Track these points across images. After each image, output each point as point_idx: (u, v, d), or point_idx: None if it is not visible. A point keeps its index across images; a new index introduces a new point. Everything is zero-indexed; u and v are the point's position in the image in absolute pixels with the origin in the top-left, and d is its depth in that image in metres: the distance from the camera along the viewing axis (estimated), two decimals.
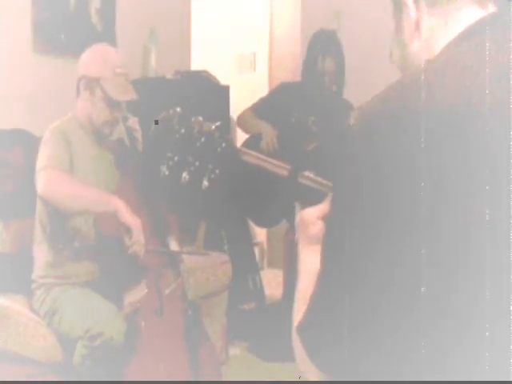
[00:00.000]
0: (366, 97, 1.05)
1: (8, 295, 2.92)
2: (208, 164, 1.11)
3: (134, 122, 2.93)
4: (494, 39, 1.00)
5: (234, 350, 3.86)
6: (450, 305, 0.92)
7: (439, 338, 0.92)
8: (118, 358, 2.62)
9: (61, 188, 2.67)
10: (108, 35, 4.03)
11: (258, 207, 3.67)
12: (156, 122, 1.11)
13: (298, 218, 1.18)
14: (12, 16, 3.63)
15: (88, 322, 2.63)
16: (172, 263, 2.86)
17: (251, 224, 4.68)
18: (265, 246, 5.86)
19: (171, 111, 1.10)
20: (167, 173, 1.09)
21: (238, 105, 4.21)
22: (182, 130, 1.10)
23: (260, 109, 4.03)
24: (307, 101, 3.95)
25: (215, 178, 1.11)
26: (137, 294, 2.73)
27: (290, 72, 5.20)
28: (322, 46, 3.96)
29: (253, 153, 1.17)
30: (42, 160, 2.71)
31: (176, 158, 1.09)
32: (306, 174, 1.20)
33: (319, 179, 1.19)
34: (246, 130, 4.10)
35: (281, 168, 1.19)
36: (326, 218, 1.09)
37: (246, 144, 4.01)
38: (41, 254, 2.85)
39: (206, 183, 1.12)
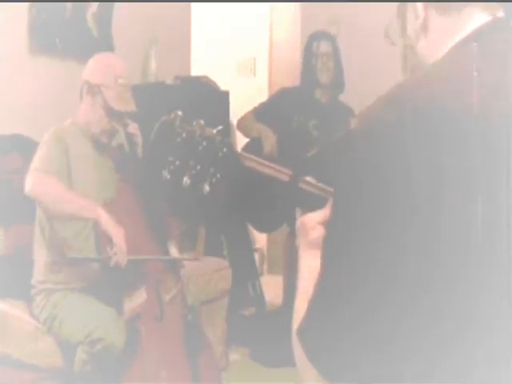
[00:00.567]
0: (366, 101, 1.05)
1: (8, 300, 2.92)
2: (209, 168, 1.11)
3: (133, 127, 2.93)
4: (499, 43, 1.00)
5: (234, 356, 3.85)
6: (450, 307, 0.92)
7: (439, 340, 0.92)
8: (118, 363, 2.62)
9: (46, 191, 2.71)
10: (104, 40, 4.03)
11: (258, 212, 3.67)
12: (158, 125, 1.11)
13: (298, 222, 1.18)
14: (9, 20, 3.63)
15: (88, 328, 2.63)
16: (172, 269, 2.86)
17: (251, 229, 4.68)
18: (265, 251, 5.86)
19: (172, 115, 1.10)
20: (168, 177, 1.09)
21: (238, 110, 4.21)
22: (184, 134, 1.10)
23: (261, 113, 4.04)
24: (307, 105, 3.96)
25: (216, 183, 1.11)
26: (137, 300, 2.72)
27: (290, 77, 5.20)
28: (316, 36, 4.01)
29: (254, 158, 1.17)
30: (34, 162, 2.75)
31: (177, 162, 1.09)
32: (307, 179, 1.20)
33: (320, 185, 1.19)
34: (246, 134, 4.11)
35: (281, 173, 1.19)
36: (327, 223, 1.09)
37: (246, 147, 4.02)
38: (41, 258, 2.85)
39: (207, 188, 1.12)
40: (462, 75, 0.99)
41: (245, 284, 4.35)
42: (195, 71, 4.91)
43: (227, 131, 4.29)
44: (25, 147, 3.35)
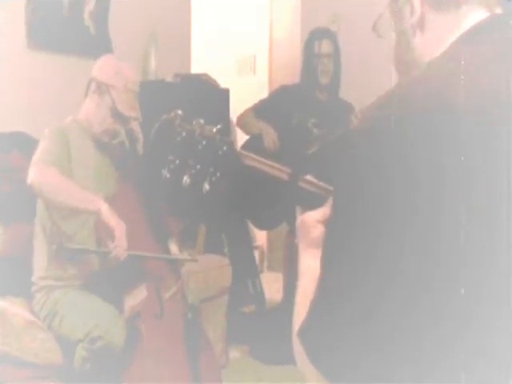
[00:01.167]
0: (366, 99, 1.04)
1: (8, 298, 2.92)
2: (209, 167, 1.11)
3: (134, 125, 2.94)
4: (497, 40, 1.00)
5: (234, 353, 3.85)
6: (450, 307, 0.92)
7: (439, 340, 0.92)
8: (118, 361, 2.62)
9: (48, 181, 2.70)
10: (102, 38, 4.03)
11: (258, 209, 3.67)
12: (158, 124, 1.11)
13: (298, 221, 1.18)
14: (6, 18, 3.63)
15: (88, 325, 2.63)
16: (172, 267, 2.86)
17: (251, 227, 4.68)
18: (265, 249, 5.86)
19: (172, 114, 1.10)
20: (168, 176, 1.09)
21: (238, 108, 4.21)
22: (184, 133, 1.10)
23: (260, 110, 4.04)
24: (307, 102, 3.96)
25: (216, 181, 1.11)
26: (137, 298, 2.72)
27: (290, 75, 5.20)
28: (317, 34, 4.01)
29: (253, 156, 1.17)
30: (36, 154, 2.75)
31: (177, 161, 1.09)
32: (307, 177, 1.20)
33: (320, 183, 1.19)
34: (245, 131, 4.11)
35: (281, 171, 1.19)
36: (327, 222, 1.09)
37: (246, 144, 4.02)
38: (41, 255, 2.85)
39: (206, 186, 1.12)
40: (460, 74, 0.98)
41: (245, 281, 4.36)
42: (195, 69, 4.91)
43: (227, 129, 4.29)
44: (25, 145, 3.35)
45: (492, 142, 0.94)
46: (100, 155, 2.91)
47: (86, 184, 2.79)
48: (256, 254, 5.10)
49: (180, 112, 1.10)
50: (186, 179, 1.10)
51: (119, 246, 2.63)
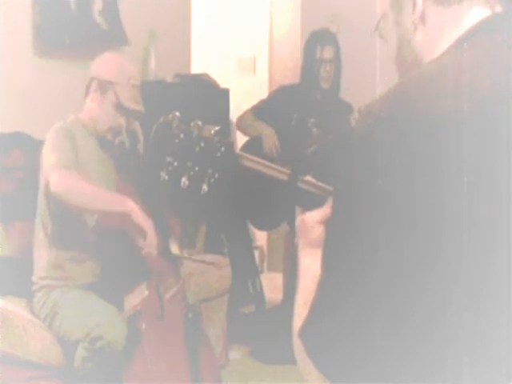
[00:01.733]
0: (365, 99, 1.05)
1: (8, 298, 2.92)
2: (207, 169, 1.11)
3: (134, 125, 2.94)
4: (498, 39, 1.00)
5: (234, 354, 3.85)
6: (451, 308, 0.92)
7: (440, 341, 0.92)
8: (118, 360, 2.62)
9: (75, 187, 2.66)
10: (115, 35, 4.03)
11: (257, 210, 3.67)
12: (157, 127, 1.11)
13: (298, 221, 1.18)
14: (12, 18, 3.63)
15: (88, 325, 2.63)
16: (172, 267, 2.86)
17: (251, 227, 4.68)
18: (265, 249, 5.85)
19: (170, 116, 1.10)
20: (167, 178, 1.09)
21: (238, 108, 4.21)
22: (182, 135, 1.10)
23: (260, 111, 4.04)
24: (307, 102, 3.96)
25: (214, 183, 1.11)
26: (137, 297, 2.73)
27: (290, 76, 5.20)
28: (319, 38, 4.00)
29: (252, 157, 1.17)
30: (50, 158, 2.71)
31: (175, 163, 1.09)
32: (306, 178, 1.20)
33: (319, 184, 1.19)
34: (245, 133, 4.11)
35: (280, 173, 1.19)
36: (327, 222, 1.09)
37: (245, 146, 4.01)
38: (42, 254, 2.85)
39: (205, 188, 1.12)
40: (461, 74, 0.98)
41: (245, 282, 4.35)
42: (195, 69, 4.91)
43: (227, 130, 4.29)
44: (27, 145, 3.35)
45: (492, 142, 0.94)
46: (102, 155, 2.91)
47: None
48: (256, 254, 5.10)
49: (178, 114, 1.10)
50: (184, 181, 1.10)
51: (151, 244, 2.63)
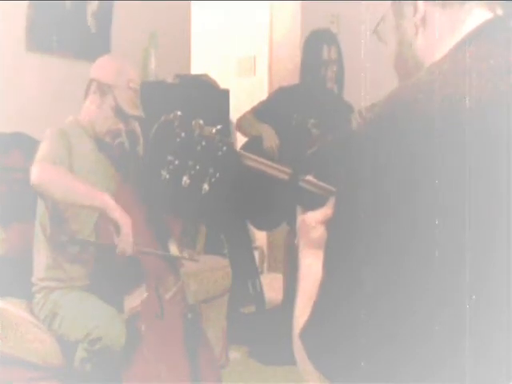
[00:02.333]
0: (366, 100, 1.05)
1: (8, 299, 2.92)
2: (208, 168, 1.11)
3: (134, 126, 2.94)
4: (499, 41, 1.00)
5: (234, 354, 3.86)
6: (451, 308, 0.92)
7: (440, 343, 0.92)
8: (117, 362, 2.62)
9: (52, 179, 2.67)
10: (102, 39, 4.04)
11: (257, 210, 3.67)
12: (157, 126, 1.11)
13: (299, 221, 1.18)
14: (7, 18, 3.63)
15: (88, 326, 2.63)
16: (172, 267, 2.86)
17: (251, 228, 4.68)
18: (265, 249, 5.86)
19: (172, 115, 1.10)
20: (168, 176, 1.09)
21: (238, 109, 4.21)
22: (183, 134, 1.10)
23: (260, 112, 4.04)
24: (307, 103, 3.96)
25: (216, 182, 1.11)
26: (137, 298, 2.72)
27: (290, 76, 5.20)
28: (323, 38, 3.99)
29: (253, 156, 1.17)
30: (38, 154, 2.73)
31: (176, 162, 1.09)
32: (307, 178, 1.20)
33: (320, 183, 1.19)
34: (245, 133, 4.10)
35: (281, 172, 1.19)
36: (328, 223, 1.09)
37: (245, 146, 4.01)
38: (41, 255, 2.85)
39: (206, 187, 1.12)
40: (462, 77, 0.98)
41: (245, 282, 4.36)
42: (195, 70, 4.91)
43: (227, 130, 4.29)
44: (25, 145, 3.35)
45: (493, 142, 0.94)
46: (101, 156, 2.91)
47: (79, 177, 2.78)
48: (256, 254, 5.10)
49: (179, 113, 1.10)
50: (185, 180, 1.10)
51: (125, 241, 2.62)
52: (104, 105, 2.85)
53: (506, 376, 0.92)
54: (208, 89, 4.39)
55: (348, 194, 1.00)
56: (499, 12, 1.07)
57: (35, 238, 2.88)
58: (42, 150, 2.73)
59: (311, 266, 1.10)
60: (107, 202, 2.62)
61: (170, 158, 1.09)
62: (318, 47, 3.97)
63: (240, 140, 4.26)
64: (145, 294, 2.73)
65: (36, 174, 2.66)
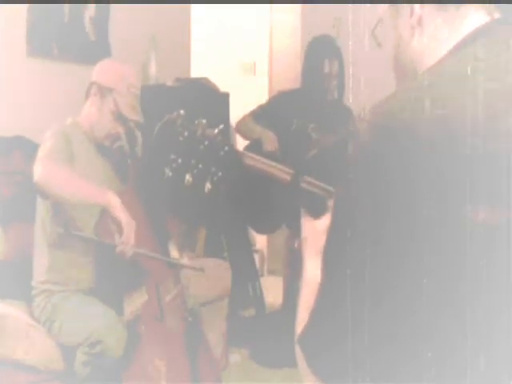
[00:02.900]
0: (365, 104, 1.05)
1: (8, 302, 2.92)
2: (211, 167, 1.11)
3: (133, 129, 2.94)
4: (497, 44, 1.00)
5: (234, 357, 3.85)
6: (450, 313, 0.92)
7: (438, 346, 0.92)
8: (118, 364, 2.62)
9: (56, 177, 2.65)
10: (101, 44, 4.04)
11: (258, 213, 3.67)
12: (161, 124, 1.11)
13: (309, 228, 1.17)
14: (8, 23, 3.64)
15: (88, 330, 2.63)
16: (172, 270, 2.86)
17: (251, 231, 4.68)
18: (265, 252, 5.86)
19: (175, 114, 1.10)
20: (170, 174, 1.09)
21: (238, 112, 4.21)
22: (186, 133, 1.10)
23: (259, 116, 4.03)
24: (307, 107, 3.95)
25: (218, 181, 1.12)
26: (137, 301, 2.72)
27: (291, 80, 5.20)
28: (326, 50, 3.97)
29: (255, 156, 1.18)
30: (40, 152, 2.71)
31: (179, 161, 1.09)
32: (309, 179, 1.20)
33: (322, 184, 1.19)
34: (245, 136, 4.10)
35: (283, 172, 1.19)
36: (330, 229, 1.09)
37: (246, 149, 4.01)
38: (41, 259, 2.85)
39: (208, 186, 1.12)
40: (460, 81, 0.99)
41: (245, 285, 4.35)
42: (195, 73, 4.92)
43: (227, 134, 4.29)
44: (26, 148, 3.35)
45: (492, 143, 0.94)
46: (101, 159, 2.91)
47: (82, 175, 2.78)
48: (256, 257, 5.10)
49: (182, 112, 1.10)
50: (188, 178, 1.10)
51: (126, 242, 2.60)
52: (104, 108, 2.85)
53: (506, 376, 0.92)
54: (208, 92, 4.39)
55: (347, 199, 1.00)
56: (497, 16, 1.07)
57: (35, 241, 2.87)
58: (44, 148, 2.72)
59: (316, 270, 1.09)
60: (111, 199, 2.61)
61: (172, 156, 1.09)
62: (322, 61, 3.94)
63: (240, 144, 4.25)
64: (145, 297, 2.73)
65: (39, 171, 2.64)
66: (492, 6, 1.07)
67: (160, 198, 2.81)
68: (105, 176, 2.89)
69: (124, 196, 2.79)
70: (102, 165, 2.90)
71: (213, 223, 4.20)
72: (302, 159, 3.81)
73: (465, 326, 0.92)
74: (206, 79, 4.51)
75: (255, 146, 3.93)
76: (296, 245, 1.10)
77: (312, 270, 1.12)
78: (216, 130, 1.13)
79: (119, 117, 2.83)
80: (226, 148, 1.11)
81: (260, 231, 4.63)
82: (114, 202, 2.60)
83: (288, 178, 1.18)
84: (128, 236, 2.59)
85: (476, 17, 1.06)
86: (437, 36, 1.07)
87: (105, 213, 2.66)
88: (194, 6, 4.91)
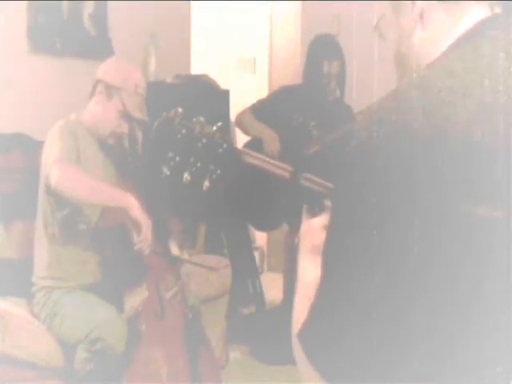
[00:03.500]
0: (366, 101, 1.05)
1: (8, 298, 2.92)
2: (209, 165, 1.11)
3: (135, 127, 2.94)
4: (498, 39, 1.00)
5: (234, 354, 3.86)
6: (450, 311, 0.92)
7: (438, 344, 0.92)
8: (118, 361, 2.62)
9: (75, 180, 2.66)
10: (102, 40, 4.04)
11: (258, 211, 3.67)
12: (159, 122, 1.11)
13: (305, 225, 1.17)
14: (8, 20, 3.63)
15: (88, 326, 2.63)
16: (172, 266, 2.86)
17: (251, 228, 4.68)
18: (265, 250, 5.87)
19: (172, 111, 1.10)
20: (168, 173, 1.09)
21: (238, 109, 4.21)
22: (184, 131, 1.10)
23: (259, 111, 4.02)
24: (308, 105, 3.94)
25: (216, 179, 1.12)
26: (137, 298, 2.73)
27: (290, 76, 5.20)
28: (326, 50, 3.95)
29: (254, 154, 1.17)
30: (52, 153, 2.70)
31: (177, 159, 1.09)
32: (308, 175, 1.20)
33: (321, 181, 1.19)
34: (245, 131, 4.09)
35: (282, 169, 1.19)
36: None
37: (245, 147, 4.00)
38: (42, 255, 2.85)
39: (207, 184, 1.12)
40: (460, 76, 0.99)
41: (245, 282, 4.36)
42: (195, 70, 4.91)
43: (227, 130, 4.28)
44: (26, 146, 3.35)
45: (492, 142, 0.94)
46: (102, 156, 2.91)
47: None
48: (256, 254, 5.10)
49: (180, 110, 1.10)
50: (186, 176, 1.10)
51: (144, 241, 2.64)
52: (109, 106, 2.85)
53: (506, 375, 0.92)
54: (208, 89, 4.39)
55: (346, 196, 1.00)
56: (498, 10, 1.07)
57: (36, 238, 2.88)
58: (55, 150, 2.70)
59: (310, 271, 1.09)
60: (130, 201, 2.63)
61: (170, 154, 1.09)
62: (322, 61, 3.92)
63: (240, 140, 4.25)
64: (145, 294, 2.73)
65: (57, 175, 2.63)
66: (494, 2, 1.07)
67: (159, 195, 2.82)
68: (106, 173, 2.89)
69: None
70: (103, 161, 2.91)
71: (213, 220, 4.20)
72: (302, 156, 3.80)
73: (465, 325, 0.92)
74: (206, 76, 4.50)
75: (255, 144, 3.92)
76: (296, 241, 1.11)
77: (305, 267, 1.12)
78: (214, 128, 1.13)
79: (125, 116, 2.84)
80: (225, 145, 1.11)
81: (260, 228, 4.63)
82: (133, 204, 2.63)
83: (287, 175, 1.17)
84: (146, 235, 2.64)
85: (477, 12, 1.06)
86: (438, 31, 1.07)
87: (106, 209, 2.69)
88: (194, 2, 4.91)
